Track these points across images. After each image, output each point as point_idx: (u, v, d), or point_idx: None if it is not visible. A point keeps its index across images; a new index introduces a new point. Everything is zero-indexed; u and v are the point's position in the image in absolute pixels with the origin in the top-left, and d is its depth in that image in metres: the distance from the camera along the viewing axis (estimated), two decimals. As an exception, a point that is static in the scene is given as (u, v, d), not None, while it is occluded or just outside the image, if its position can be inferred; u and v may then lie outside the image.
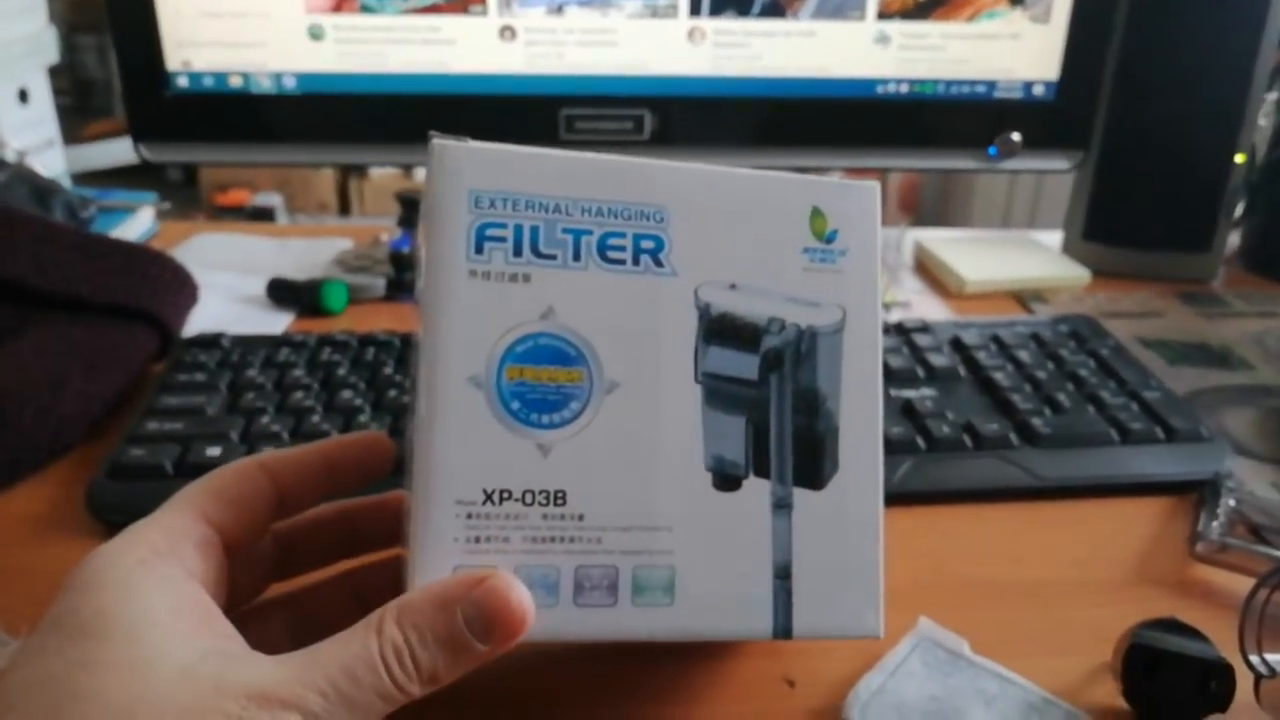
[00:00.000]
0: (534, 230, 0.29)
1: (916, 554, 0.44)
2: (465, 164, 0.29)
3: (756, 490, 0.30)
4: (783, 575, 0.30)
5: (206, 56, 0.62)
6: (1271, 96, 0.76)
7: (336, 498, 0.34)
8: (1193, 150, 0.72)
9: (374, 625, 0.26)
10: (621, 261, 0.30)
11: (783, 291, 0.31)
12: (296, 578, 0.34)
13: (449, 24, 0.61)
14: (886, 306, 0.69)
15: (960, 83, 0.64)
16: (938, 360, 0.55)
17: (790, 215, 0.31)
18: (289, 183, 2.80)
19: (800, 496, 0.31)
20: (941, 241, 0.77)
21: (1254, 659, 0.35)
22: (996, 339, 0.58)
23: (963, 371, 0.55)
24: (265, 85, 0.62)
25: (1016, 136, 0.64)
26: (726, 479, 0.30)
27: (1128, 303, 0.70)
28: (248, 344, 0.55)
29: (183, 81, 0.62)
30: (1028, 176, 1.91)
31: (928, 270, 0.75)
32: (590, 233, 0.30)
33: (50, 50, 0.99)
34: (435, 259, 0.29)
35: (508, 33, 0.61)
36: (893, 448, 0.48)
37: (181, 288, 0.60)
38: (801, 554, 0.30)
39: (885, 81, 0.63)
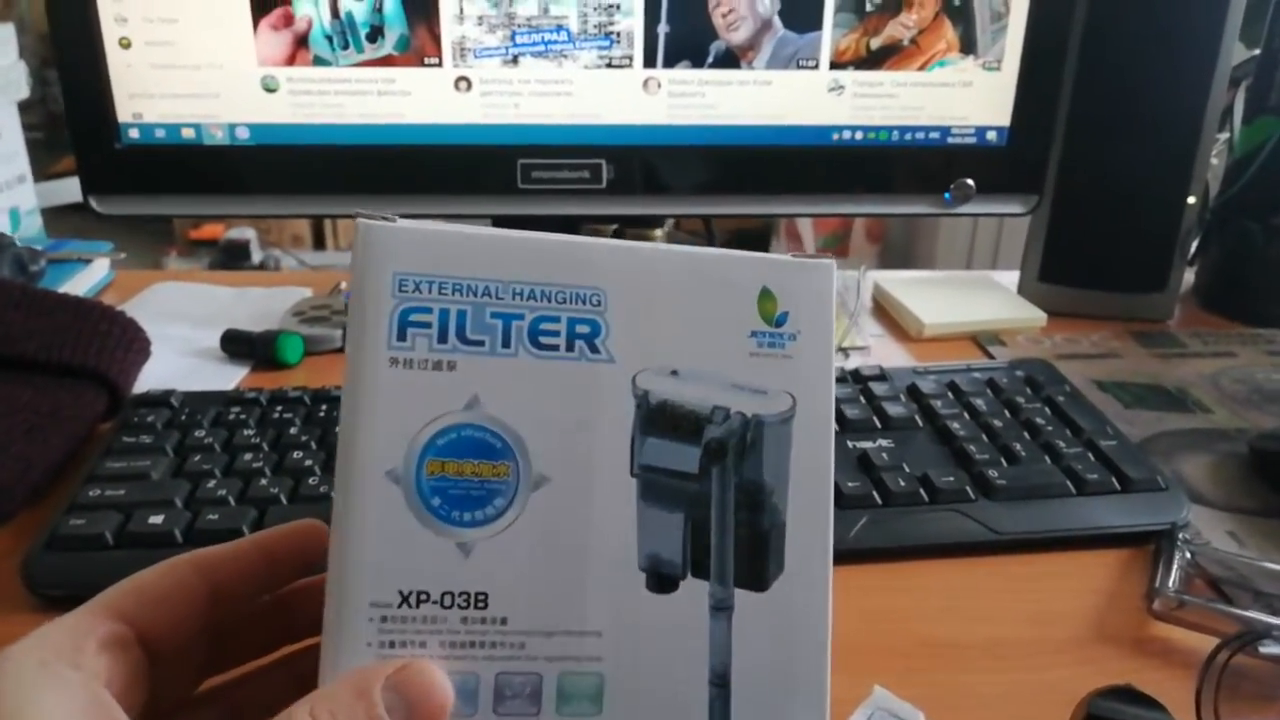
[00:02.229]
0: (461, 315, 0.28)
1: (872, 614, 0.43)
2: (390, 245, 0.28)
3: (694, 592, 0.29)
4: (720, 682, 0.29)
5: (159, 108, 0.61)
6: (1223, 136, 0.77)
7: (275, 589, 0.33)
8: (1146, 191, 0.73)
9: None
10: (554, 347, 0.29)
11: (728, 378, 0.30)
12: (234, 670, 0.34)
13: (404, 75, 0.61)
14: (845, 351, 0.69)
15: (914, 129, 0.64)
16: (894, 410, 0.55)
17: (738, 296, 0.30)
18: (263, 218, 2.78)
19: (741, 598, 0.30)
20: (900, 283, 0.77)
21: (1208, 728, 0.34)
22: (953, 386, 0.58)
23: (919, 421, 0.55)
24: (219, 137, 0.62)
25: (970, 182, 0.65)
26: (662, 580, 0.29)
27: (1084, 344, 0.71)
28: (197, 402, 0.55)
29: (134, 133, 0.61)
30: (990, 219, 1.93)
31: (887, 313, 0.76)
32: (521, 317, 0.29)
33: (20, 85, 0.98)
34: (356, 345, 0.28)
35: (463, 83, 0.61)
36: (849, 503, 0.48)
37: (132, 344, 0.59)
38: (741, 659, 0.29)
39: (840, 129, 0.64)
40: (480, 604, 0.28)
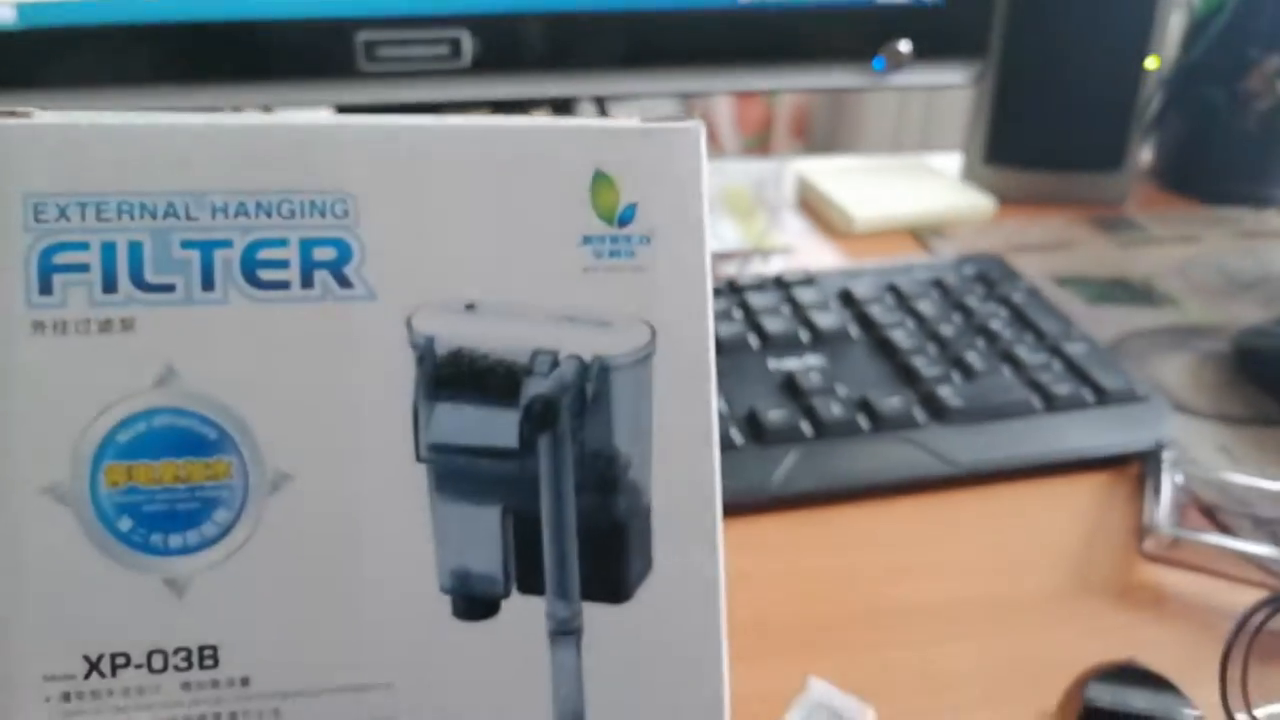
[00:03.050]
0: (135, 249, 0.19)
1: (806, 575, 0.35)
2: (17, 152, 0.19)
3: (523, 614, 0.20)
4: (571, 734, 0.20)
5: (-105, -16, 0.48)
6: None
7: None
8: (1101, 57, 0.64)
9: None
10: (282, 284, 0.20)
11: (553, 307, 0.21)
12: None
13: (205, -69, 0.48)
14: (765, 254, 0.59)
15: (838, -15, 0.54)
16: (824, 320, 0.46)
17: (560, 186, 0.21)
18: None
19: (594, 615, 0.21)
20: (827, 174, 0.68)
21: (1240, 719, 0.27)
22: (893, 289, 0.49)
23: (855, 332, 0.46)
24: (-23, 19, 0.49)
25: (904, 46, 0.55)
26: (474, 603, 0.20)
27: (1037, 233, 0.62)
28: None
29: None
30: (919, 96, 1.83)
31: (813, 208, 0.66)
32: (229, 244, 0.19)
33: None
34: None
35: (283, -60, 0.49)
36: (773, 437, 0.39)
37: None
38: (600, 698, 0.21)
39: (750, -14, 0.53)
40: (208, 662, 0.19)
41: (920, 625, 0.33)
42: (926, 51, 0.56)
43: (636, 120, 0.21)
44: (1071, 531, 0.37)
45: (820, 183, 0.65)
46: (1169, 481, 0.38)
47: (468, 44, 0.51)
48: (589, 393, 0.20)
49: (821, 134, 2.16)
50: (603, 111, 0.60)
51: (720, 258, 0.58)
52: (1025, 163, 0.67)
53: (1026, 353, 0.44)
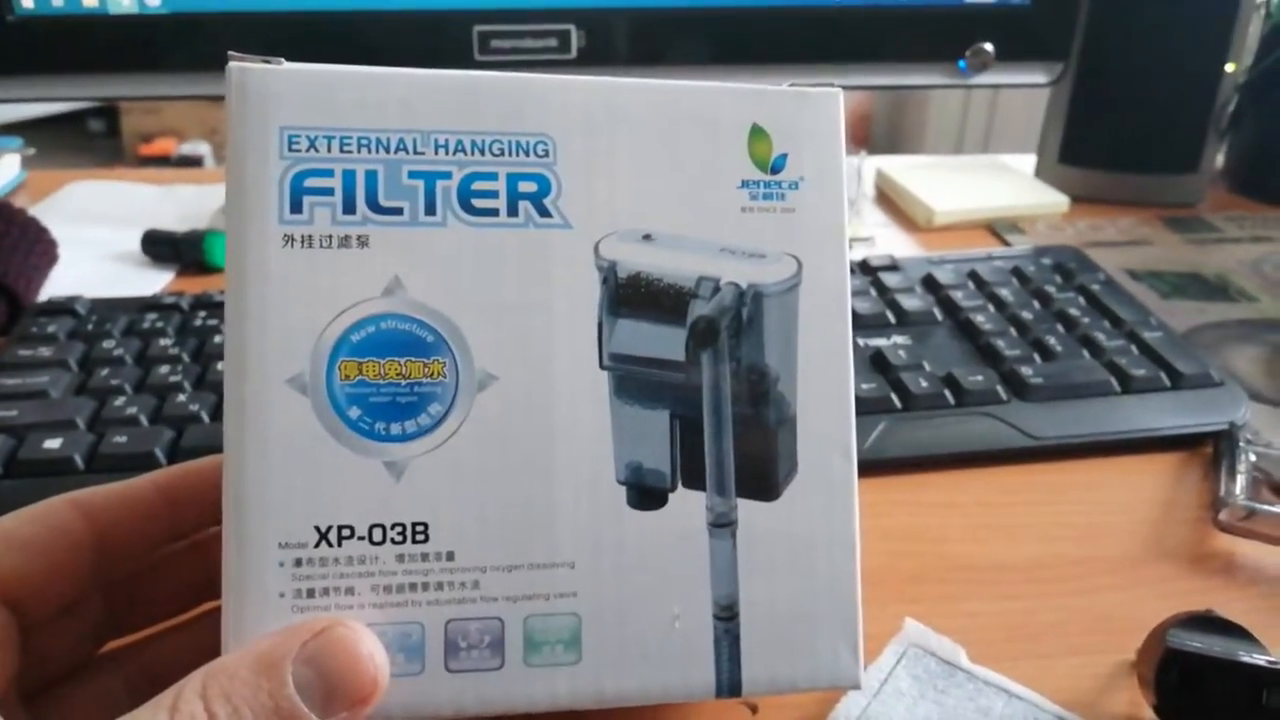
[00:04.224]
0: (370, 176, 0.22)
1: (895, 534, 0.37)
2: (274, 92, 0.22)
3: (687, 506, 0.24)
4: (726, 615, 0.24)
5: (53, -28, 0.53)
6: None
7: (180, 537, 0.27)
8: (1180, 61, 0.65)
9: (167, 702, 0.19)
10: (492, 212, 0.23)
11: (715, 240, 0.24)
12: (145, 629, 0.28)
13: (337, -73, 0.52)
14: (849, 243, 0.62)
15: (927, -14, 0.56)
16: (910, 303, 0.48)
17: (723, 137, 0.24)
18: (218, 130, 2.66)
19: (747, 511, 0.24)
20: (904, 169, 0.70)
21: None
22: (974, 275, 0.52)
23: (938, 314, 0.48)
24: (125, 6, 0.53)
25: (989, 47, 0.57)
26: (646, 494, 0.23)
27: (1110, 231, 0.64)
28: (107, 309, 0.47)
29: (28, 3, 0.53)
30: (982, 102, 1.85)
31: (891, 201, 0.68)
32: (448, 176, 0.23)
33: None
34: (238, 224, 0.22)
35: (407, -63, 0.53)
36: (864, 407, 0.42)
37: (34, 246, 0.52)
38: (751, 585, 0.24)
39: (842, -14, 0.56)
40: (420, 537, 0.22)
41: (1004, 581, 0.36)
42: (1010, 52, 0.58)
43: (787, 84, 0.24)
44: (1147, 503, 0.39)
45: (900, 177, 0.68)
46: (1244, 458, 0.40)
47: (575, 37, 0.54)
48: (745, 316, 0.24)
49: (880, 140, 2.18)
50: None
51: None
52: (1100, 163, 0.68)
53: (1104, 338, 0.46)
